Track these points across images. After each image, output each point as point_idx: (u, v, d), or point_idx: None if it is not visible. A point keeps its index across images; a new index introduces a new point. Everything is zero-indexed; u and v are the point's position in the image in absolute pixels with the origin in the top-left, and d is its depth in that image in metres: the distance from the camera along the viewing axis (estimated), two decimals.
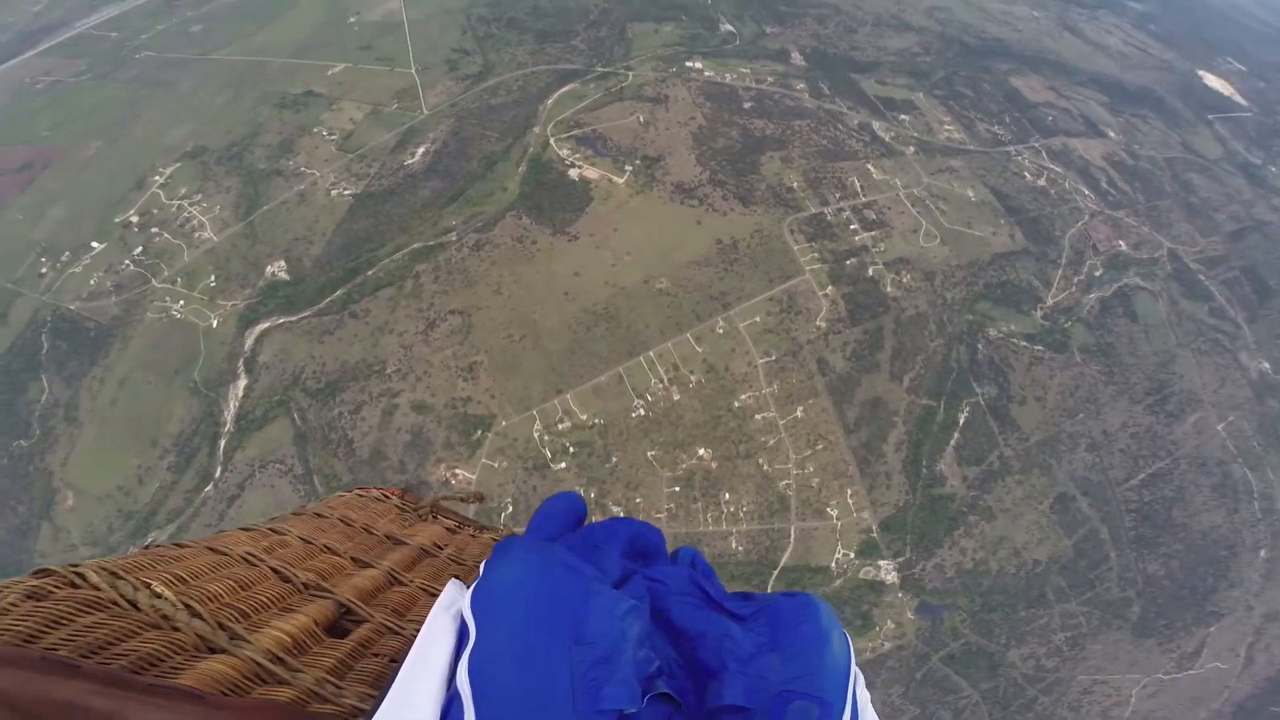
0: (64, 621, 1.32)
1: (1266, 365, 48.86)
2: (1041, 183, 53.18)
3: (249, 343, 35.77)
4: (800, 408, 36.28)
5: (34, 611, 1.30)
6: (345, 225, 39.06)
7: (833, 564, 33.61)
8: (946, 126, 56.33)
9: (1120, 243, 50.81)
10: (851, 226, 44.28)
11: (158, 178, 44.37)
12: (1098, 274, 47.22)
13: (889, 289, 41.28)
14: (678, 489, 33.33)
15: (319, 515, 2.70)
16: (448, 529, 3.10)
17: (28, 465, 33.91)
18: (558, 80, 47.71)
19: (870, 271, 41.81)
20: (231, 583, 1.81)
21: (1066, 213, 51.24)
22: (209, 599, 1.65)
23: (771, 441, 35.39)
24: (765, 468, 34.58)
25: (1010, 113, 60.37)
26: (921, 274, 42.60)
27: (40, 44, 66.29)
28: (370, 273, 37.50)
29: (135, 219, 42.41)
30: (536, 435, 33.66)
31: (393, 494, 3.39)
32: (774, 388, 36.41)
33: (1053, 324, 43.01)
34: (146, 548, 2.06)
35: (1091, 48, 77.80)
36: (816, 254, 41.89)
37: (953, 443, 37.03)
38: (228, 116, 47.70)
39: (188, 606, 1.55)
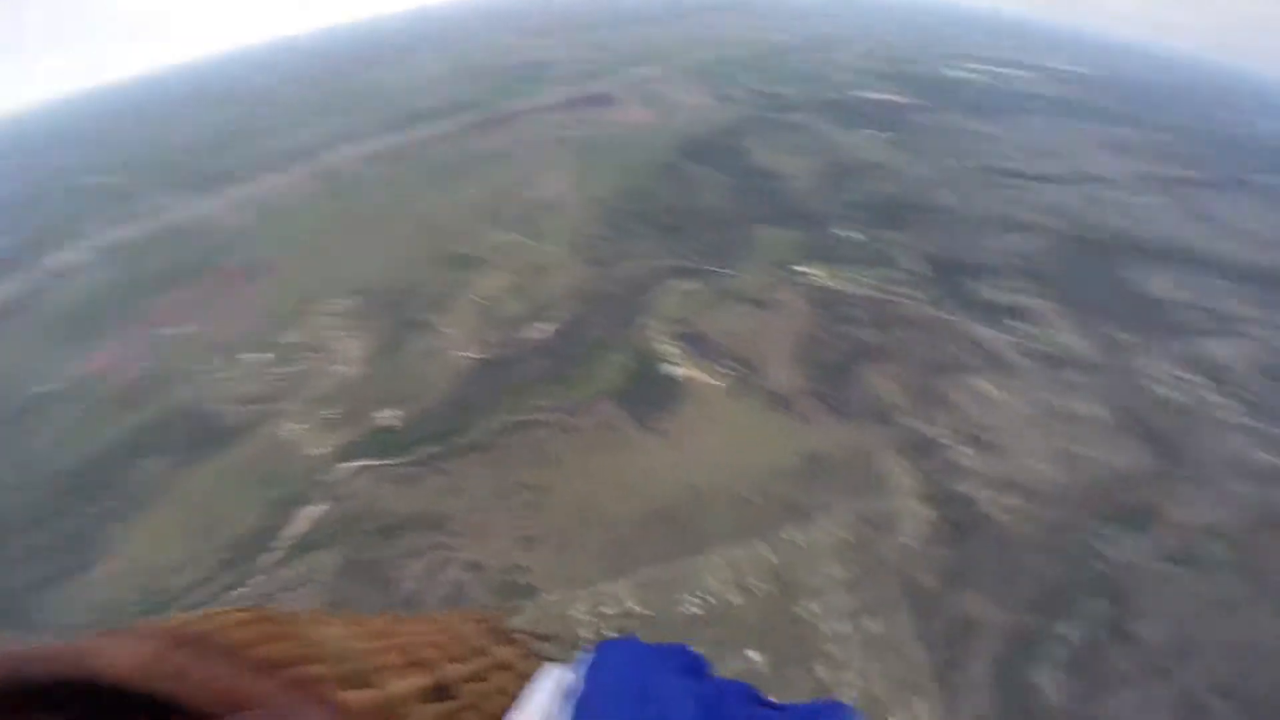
0: (264, 642, 1.80)
1: None
2: (1177, 395, 46.44)
3: (336, 476, 38.12)
4: (877, 620, 33.04)
5: (248, 629, 1.82)
6: (460, 388, 43.19)
7: None
8: (1067, 335, 52.50)
9: None
10: (960, 447, 41.32)
11: (331, 305, 52.04)
12: None
13: (992, 511, 36.33)
14: None
15: (432, 620, 3.64)
16: (519, 654, 4.04)
17: (100, 524, 36.30)
18: (673, 275, 51.82)
19: (978, 496, 37.39)
20: (371, 646, 2.47)
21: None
22: (358, 651, 2.25)
23: (834, 649, 32.19)
24: (823, 676, 30.58)
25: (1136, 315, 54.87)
26: (1031, 497, 37.47)
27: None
28: (466, 436, 40.31)
29: (296, 340, 49.81)
30: (576, 614, 32.70)
31: (487, 617, 4.51)
32: (849, 598, 33.87)
33: None
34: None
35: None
36: (918, 475, 38.95)
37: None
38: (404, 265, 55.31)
39: (341, 649, 2.17)
